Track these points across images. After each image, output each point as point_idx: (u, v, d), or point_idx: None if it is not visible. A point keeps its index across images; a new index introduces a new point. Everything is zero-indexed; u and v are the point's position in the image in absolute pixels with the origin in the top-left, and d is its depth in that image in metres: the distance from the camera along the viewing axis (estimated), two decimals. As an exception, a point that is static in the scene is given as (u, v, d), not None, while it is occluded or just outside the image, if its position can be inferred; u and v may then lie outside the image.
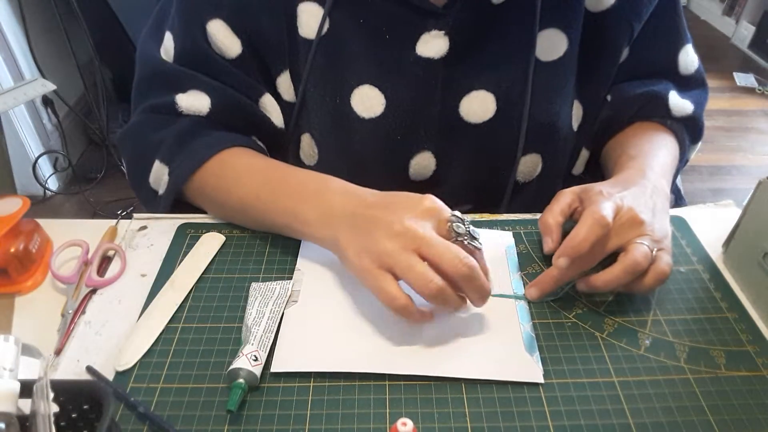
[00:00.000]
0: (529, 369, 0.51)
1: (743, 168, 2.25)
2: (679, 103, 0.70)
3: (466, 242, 0.51)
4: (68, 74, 2.00)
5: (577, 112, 0.70)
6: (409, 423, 0.41)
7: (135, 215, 0.69)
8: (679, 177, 0.83)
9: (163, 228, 0.67)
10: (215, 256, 0.63)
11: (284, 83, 0.68)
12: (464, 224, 0.51)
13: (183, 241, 0.65)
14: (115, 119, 2.12)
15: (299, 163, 0.72)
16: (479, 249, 0.52)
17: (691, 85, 0.73)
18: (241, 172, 0.62)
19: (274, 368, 0.52)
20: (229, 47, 0.65)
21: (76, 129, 2.16)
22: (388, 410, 0.49)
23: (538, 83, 0.64)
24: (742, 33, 3.06)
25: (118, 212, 0.63)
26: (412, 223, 0.50)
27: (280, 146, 0.71)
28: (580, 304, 0.58)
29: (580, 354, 0.53)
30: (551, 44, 0.65)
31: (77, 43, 1.92)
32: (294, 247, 0.64)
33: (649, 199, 0.57)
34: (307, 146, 0.69)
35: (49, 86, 1.24)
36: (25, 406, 0.40)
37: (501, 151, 0.67)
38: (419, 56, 0.63)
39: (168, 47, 0.68)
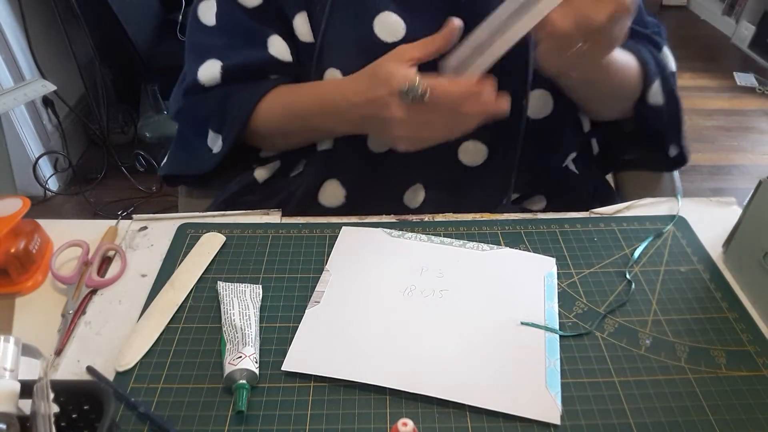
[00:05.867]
0: (547, 408, 0.49)
1: (743, 168, 2.25)
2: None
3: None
4: (68, 75, 2.00)
5: None
6: (410, 423, 0.41)
7: (135, 216, 0.69)
8: (677, 173, 0.84)
9: (163, 228, 0.67)
10: (215, 256, 0.64)
11: (300, 24, 0.71)
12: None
13: (183, 241, 0.65)
14: (116, 120, 2.12)
15: None
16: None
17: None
18: (281, 105, 0.72)
19: (285, 367, 0.52)
20: None
21: (77, 129, 2.16)
22: (388, 410, 0.49)
23: None
24: (742, 33, 3.06)
25: (119, 213, 0.63)
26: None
27: (300, 79, 0.75)
28: (581, 304, 0.58)
29: (580, 354, 0.53)
30: None
31: (77, 43, 1.92)
32: (295, 248, 0.64)
33: None
34: None
35: (49, 87, 1.24)
36: (26, 406, 0.40)
37: (513, 82, 0.70)
38: None
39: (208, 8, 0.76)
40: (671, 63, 0.76)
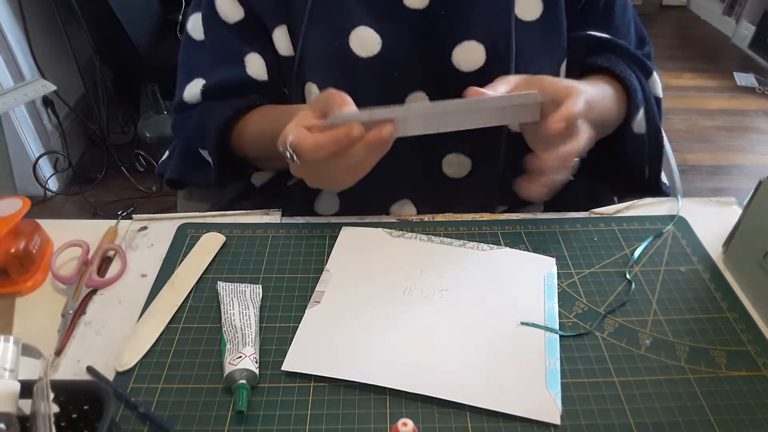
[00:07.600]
0: (547, 408, 0.49)
1: (743, 168, 2.25)
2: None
3: None
4: (68, 74, 2.00)
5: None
6: (410, 423, 0.41)
7: (135, 216, 0.69)
8: (677, 173, 0.83)
9: (163, 228, 0.67)
10: (215, 256, 0.64)
11: (280, 37, 0.71)
12: None
13: (183, 241, 0.65)
14: (115, 119, 2.12)
15: None
16: None
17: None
18: (244, 129, 0.72)
19: (285, 367, 0.52)
20: (232, 13, 0.72)
21: (77, 129, 2.16)
22: (388, 410, 0.49)
23: (521, 39, 0.68)
24: (742, 33, 3.06)
25: (119, 212, 0.63)
26: None
27: (275, 95, 0.75)
28: (581, 304, 0.58)
29: (580, 354, 0.53)
30: (528, 4, 0.69)
31: (77, 43, 1.92)
32: (295, 248, 0.64)
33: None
34: (311, 95, 0.72)
35: (49, 87, 1.24)
36: (26, 406, 0.40)
37: None
38: (406, 6, 0.68)
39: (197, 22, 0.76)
40: (658, 89, 0.76)
